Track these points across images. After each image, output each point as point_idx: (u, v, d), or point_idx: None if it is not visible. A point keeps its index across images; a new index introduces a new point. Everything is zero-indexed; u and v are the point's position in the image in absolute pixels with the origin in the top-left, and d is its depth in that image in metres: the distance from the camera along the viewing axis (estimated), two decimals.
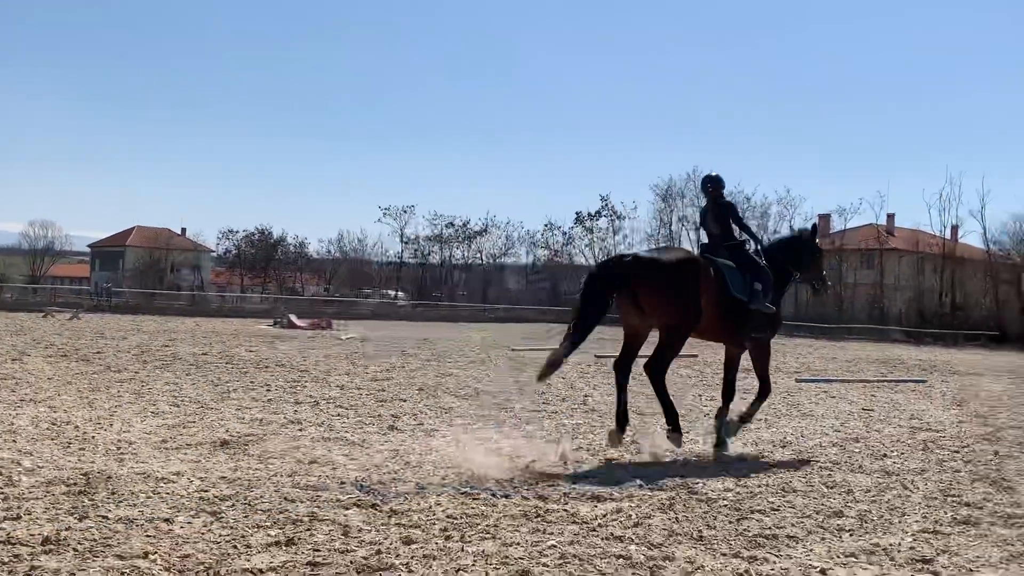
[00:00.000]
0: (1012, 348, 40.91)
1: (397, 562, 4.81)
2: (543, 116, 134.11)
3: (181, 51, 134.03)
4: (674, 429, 8.62)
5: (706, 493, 6.83)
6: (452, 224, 70.95)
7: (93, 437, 8.22)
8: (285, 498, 6.15)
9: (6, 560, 4.58)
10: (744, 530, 5.80)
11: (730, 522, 6.00)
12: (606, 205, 66.41)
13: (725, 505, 6.48)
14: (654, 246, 9.99)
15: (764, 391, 9.63)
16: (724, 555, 5.22)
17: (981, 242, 53.46)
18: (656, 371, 8.59)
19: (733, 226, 9.28)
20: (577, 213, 67.53)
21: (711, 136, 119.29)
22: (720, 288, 8.77)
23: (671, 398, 8.66)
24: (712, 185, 9.49)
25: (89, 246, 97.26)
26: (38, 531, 5.09)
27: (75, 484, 6.29)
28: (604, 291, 8.47)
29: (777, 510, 6.40)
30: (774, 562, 5.12)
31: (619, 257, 9.02)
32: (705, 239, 9.64)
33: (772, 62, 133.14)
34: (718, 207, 9.40)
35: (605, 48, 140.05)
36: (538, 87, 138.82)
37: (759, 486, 7.19)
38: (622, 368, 8.77)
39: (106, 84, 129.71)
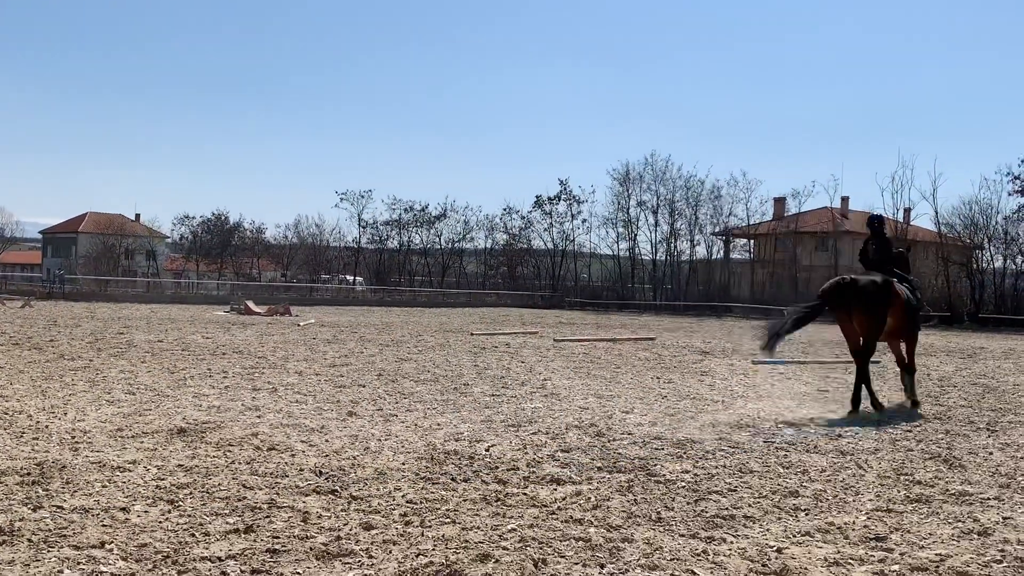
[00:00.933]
0: (963, 328, 41.71)
1: (357, 548, 4.80)
2: (503, 100, 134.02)
3: (133, 35, 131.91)
4: (873, 404, 11.02)
5: (664, 475, 6.89)
6: (410, 209, 70.63)
7: (47, 426, 8.10)
8: (243, 485, 6.11)
9: None
10: (702, 511, 5.86)
11: (688, 503, 6.06)
12: (565, 189, 66.47)
13: (683, 487, 6.54)
14: (863, 272, 11.74)
15: (912, 369, 12.21)
16: (682, 536, 5.27)
17: (933, 224, 54.27)
18: (864, 361, 11.25)
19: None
20: (537, 197, 67.52)
21: (669, 121, 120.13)
22: (907, 300, 11.56)
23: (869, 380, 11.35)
24: (879, 223, 12.62)
25: (41, 233, 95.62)
26: None
27: (29, 474, 6.20)
28: (825, 303, 11.30)
29: (734, 491, 6.47)
30: (731, 542, 5.18)
31: (841, 281, 11.49)
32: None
33: (727, 46, 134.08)
34: (884, 239, 12.46)
35: (563, 33, 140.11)
36: (498, 71, 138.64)
37: (716, 468, 7.26)
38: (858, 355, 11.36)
39: (57, 70, 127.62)
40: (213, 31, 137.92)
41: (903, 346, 12.15)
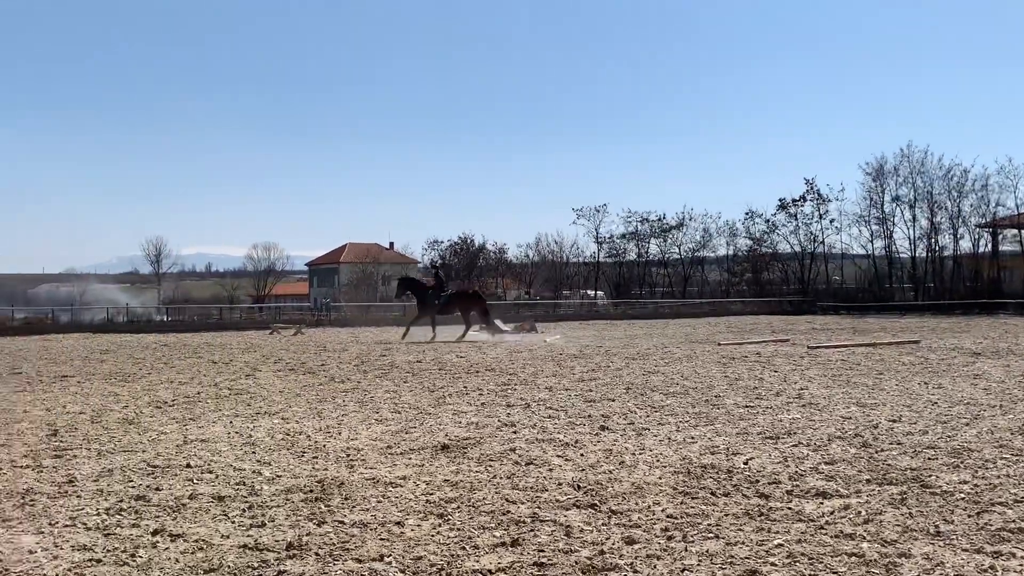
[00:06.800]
0: None
1: (621, 562, 4.82)
2: (740, 101, 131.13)
3: (379, 77, 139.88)
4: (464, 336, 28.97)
5: (940, 486, 6.47)
6: (646, 220, 70.47)
7: (324, 446, 8.69)
8: (507, 500, 6.29)
9: (255, 565, 4.90)
10: (985, 524, 5.45)
11: (969, 516, 5.65)
12: (811, 188, 63.99)
13: (962, 498, 6.11)
14: (457, 285, 36.05)
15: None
16: (965, 551, 4.92)
17: None
18: (481, 325, 29.58)
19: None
20: (780, 199, 65.46)
21: (923, 107, 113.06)
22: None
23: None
24: (439, 268, 37.97)
25: (307, 265, 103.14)
26: (282, 537, 5.43)
27: (311, 491, 6.67)
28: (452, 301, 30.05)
29: (1021, 502, 5.97)
30: (1022, 557, 4.78)
31: (469, 289, 36.22)
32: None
33: (978, 24, 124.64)
34: (440, 278, 31.36)
35: (802, 18, 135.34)
36: (733, 70, 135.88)
37: (999, 477, 6.73)
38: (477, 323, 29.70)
39: (310, 116, 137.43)
40: (446, 62, 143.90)
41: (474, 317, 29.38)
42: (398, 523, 5.71)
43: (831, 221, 64.30)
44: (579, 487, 6.66)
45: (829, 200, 63.60)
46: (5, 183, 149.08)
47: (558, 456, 7.95)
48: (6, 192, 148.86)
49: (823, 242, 64.76)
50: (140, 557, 5.06)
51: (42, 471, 7.60)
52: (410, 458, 7.97)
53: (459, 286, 33.44)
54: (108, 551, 5.18)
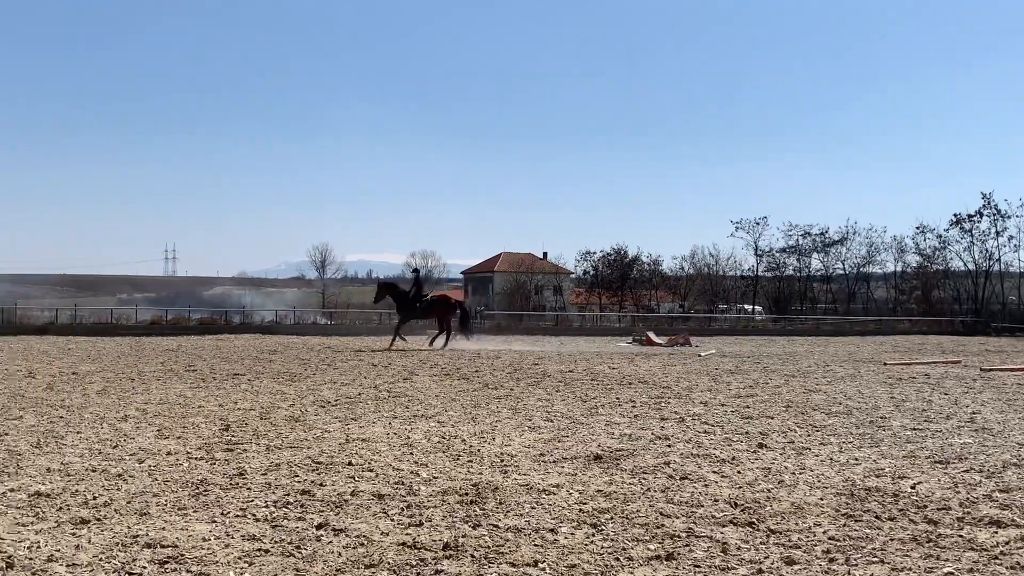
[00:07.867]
0: None
1: None
2: (906, 109, 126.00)
3: (515, 86, 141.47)
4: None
5: None
6: (808, 234, 68.32)
7: (479, 450, 8.83)
8: (661, 513, 6.23)
9: (414, 563, 5.04)
10: None
11: None
12: (988, 203, 60.52)
13: None
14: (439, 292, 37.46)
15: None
16: None
17: None
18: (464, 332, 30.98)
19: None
20: (954, 215, 62.18)
21: None
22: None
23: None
24: (417, 272, 33.54)
25: (462, 273, 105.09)
26: (438, 537, 5.56)
27: (467, 494, 6.79)
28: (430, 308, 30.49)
29: None
30: None
31: (445, 296, 33.93)
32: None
33: None
34: (420, 281, 31.35)
35: (974, 19, 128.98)
36: (899, 78, 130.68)
37: None
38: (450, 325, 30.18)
39: (451, 124, 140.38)
40: (603, 73, 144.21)
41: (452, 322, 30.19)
42: (551, 530, 5.74)
43: (1010, 238, 60.66)
44: (736, 504, 6.53)
45: (1008, 216, 60.02)
46: (185, 196, 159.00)
47: (714, 472, 7.81)
48: (186, 203, 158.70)
49: (999, 260, 61.24)
50: (305, 549, 5.28)
51: (215, 463, 8.02)
52: (563, 466, 8.00)
53: (438, 294, 34.94)
54: (275, 542, 5.43)
